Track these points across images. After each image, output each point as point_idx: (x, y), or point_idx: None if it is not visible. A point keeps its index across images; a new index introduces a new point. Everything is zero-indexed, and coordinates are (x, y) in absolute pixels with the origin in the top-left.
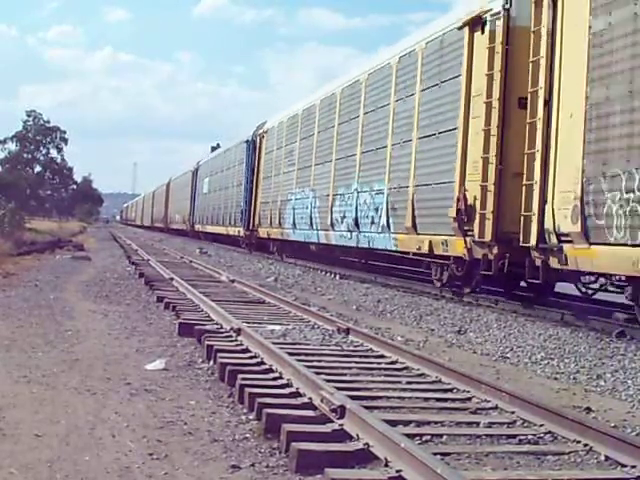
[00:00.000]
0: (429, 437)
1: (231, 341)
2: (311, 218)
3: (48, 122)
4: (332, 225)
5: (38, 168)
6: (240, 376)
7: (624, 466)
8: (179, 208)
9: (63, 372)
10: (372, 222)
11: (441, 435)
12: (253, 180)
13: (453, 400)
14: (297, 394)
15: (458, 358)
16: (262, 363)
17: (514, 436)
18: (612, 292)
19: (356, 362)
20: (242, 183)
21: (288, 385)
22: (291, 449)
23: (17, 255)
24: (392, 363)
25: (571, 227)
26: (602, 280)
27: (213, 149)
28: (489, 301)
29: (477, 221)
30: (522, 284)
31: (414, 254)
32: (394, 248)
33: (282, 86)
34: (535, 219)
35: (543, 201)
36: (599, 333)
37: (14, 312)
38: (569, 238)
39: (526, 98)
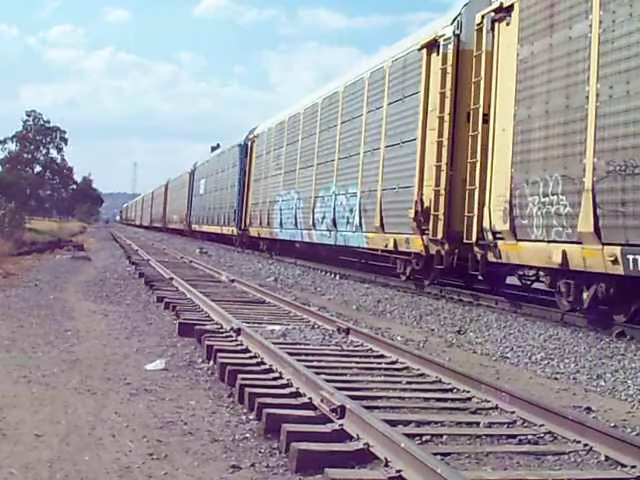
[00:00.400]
0: (429, 437)
1: (231, 341)
2: (296, 218)
3: (48, 122)
4: (314, 225)
5: (38, 168)
6: (240, 376)
7: (624, 466)
8: (177, 208)
9: (63, 372)
10: (347, 222)
11: (441, 435)
12: (245, 182)
13: (453, 400)
14: (297, 394)
15: (458, 358)
16: (262, 363)
17: (514, 436)
18: (542, 282)
19: (356, 362)
20: (235, 185)
21: (288, 385)
22: (291, 449)
23: (17, 255)
24: (392, 363)
25: (502, 226)
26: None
27: (213, 149)
28: (489, 301)
29: (432, 221)
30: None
31: (382, 251)
32: (366, 245)
33: (283, 86)
34: (475, 219)
35: (482, 204)
36: (599, 333)
37: (14, 312)
38: (501, 235)
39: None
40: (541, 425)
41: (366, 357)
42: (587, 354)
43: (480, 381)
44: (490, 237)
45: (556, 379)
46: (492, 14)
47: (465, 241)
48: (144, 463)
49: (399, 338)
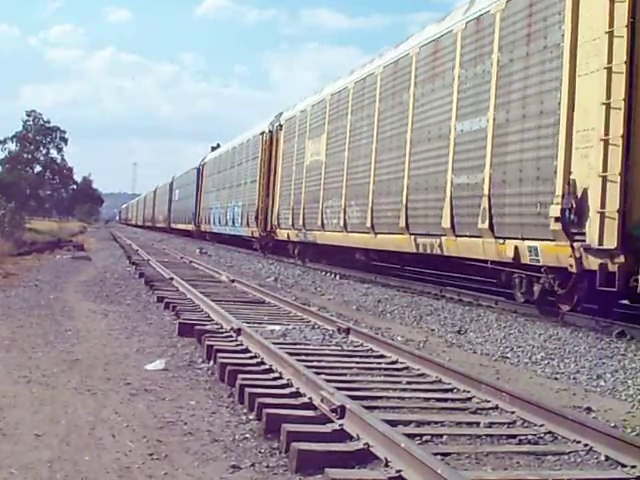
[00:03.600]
0: (429, 437)
1: (231, 341)
2: (219, 219)
3: (48, 122)
4: (226, 223)
5: (38, 168)
6: (240, 376)
7: (624, 466)
8: (162, 211)
9: (63, 372)
10: (238, 221)
11: (441, 435)
12: (199, 194)
13: (453, 400)
14: (297, 394)
15: (458, 358)
16: (262, 363)
17: (514, 436)
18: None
19: (356, 362)
20: (193, 195)
21: (288, 385)
22: (291, 449)
23: (17, 255)
24: (392, 363)
25: (276, 222)
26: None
27: (213, 149)
28: (489, 301)
29: (259, 220)
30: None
31: (249, 237)
32: (245, 234)
33: (284, 86)
34: (271, 219)
35: (272, 212)
36: (599, 333)
37: (14, 312)
38: (278, 226)
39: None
40: (541, 425)
41: (366, 357)
42: (587, 354)
43: (480, 381)
44: (275, 227)
45: (556, 379)
46: (278, 125)
47: (268, 230)
48: (144, 463)
49: (399, 338)
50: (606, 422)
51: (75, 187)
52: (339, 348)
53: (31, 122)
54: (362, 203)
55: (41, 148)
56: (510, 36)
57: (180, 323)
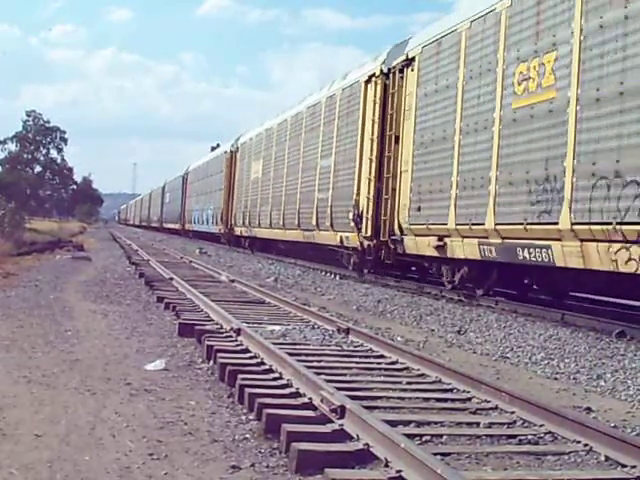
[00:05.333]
0: (429, 437)
1: (231, 341)
2: (198, 219)
3: (48, 122)
4: (203, 222)
5: (38, 168)
6: (240, 376)
7: (624, 466)
8: (155, 212)
9: (63, 372)
10: (210, 221)
11: (441, 435)
12: (184, 198)
13: (453, 400)
14: (297, 394)
15: (458, 358)
16: (262, 363)
17: (514, 436)
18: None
19: (356, 362)
20: (179, 198)
21: (288, 385)
22: (291, 449)
23: (17, 255)
24: (392, 363)
25: (234, 222)
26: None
27: (213, 149)
28: (489, 301)
29: (222, 221)
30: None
31: (217, 233)
32: (215, 231)
33: (285, 86)
34: (231, 219)
35: (233, 213)
36: (599, 333)
37: (14, 312)
38: (235, 224)
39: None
40: (541, 425)
41: (366, 357)
42: (587, 354)
43: (480, 381)
44: (233, 226)
45: (556, 379)
46: (236, 147)
47: (229, 227)
48: (144, 463)
49: (399, 338)
50: (606, 422)
51: (75, 187)
52: (339, 348)
53: (31, 122)
54: (279, 209)
55: (41, 148)
56: (343, 110)
57: (180, 323)
